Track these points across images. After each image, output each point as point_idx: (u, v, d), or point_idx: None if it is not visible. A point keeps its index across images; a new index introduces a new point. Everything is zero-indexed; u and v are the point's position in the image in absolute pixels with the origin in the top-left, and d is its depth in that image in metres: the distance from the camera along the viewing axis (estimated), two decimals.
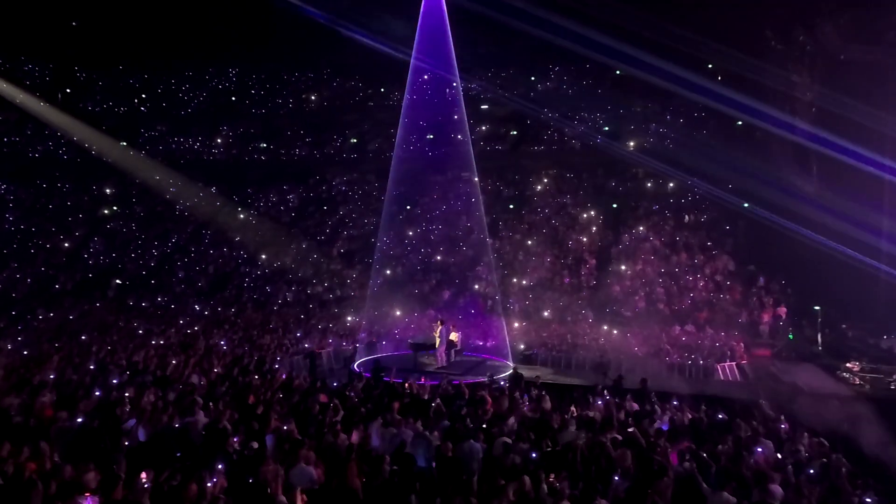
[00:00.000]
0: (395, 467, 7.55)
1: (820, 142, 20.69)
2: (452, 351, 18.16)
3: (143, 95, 36.23)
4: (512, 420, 9.84)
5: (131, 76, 36.10)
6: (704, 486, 7.08)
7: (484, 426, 9.51)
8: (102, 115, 34.91)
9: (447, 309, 21.54)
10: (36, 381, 12.03)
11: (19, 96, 32.48)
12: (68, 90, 35.50)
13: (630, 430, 9.19)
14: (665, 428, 9.80)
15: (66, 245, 28.96)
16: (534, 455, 8.05)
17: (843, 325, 18.99)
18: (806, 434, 9.40)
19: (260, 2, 27.19)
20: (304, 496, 6.89)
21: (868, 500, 7.17)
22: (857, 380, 14.96)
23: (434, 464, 8.13)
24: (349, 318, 22.08)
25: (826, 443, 8.78)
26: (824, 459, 8.18)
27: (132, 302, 25.31)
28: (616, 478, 7.37)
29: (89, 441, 8.39)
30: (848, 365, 15.67)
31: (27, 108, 32.66)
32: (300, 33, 28.72)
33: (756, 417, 10.27)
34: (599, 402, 11.29)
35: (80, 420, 9.20)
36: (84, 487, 6.47)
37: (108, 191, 33.07)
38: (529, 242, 26.43)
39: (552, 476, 7.23)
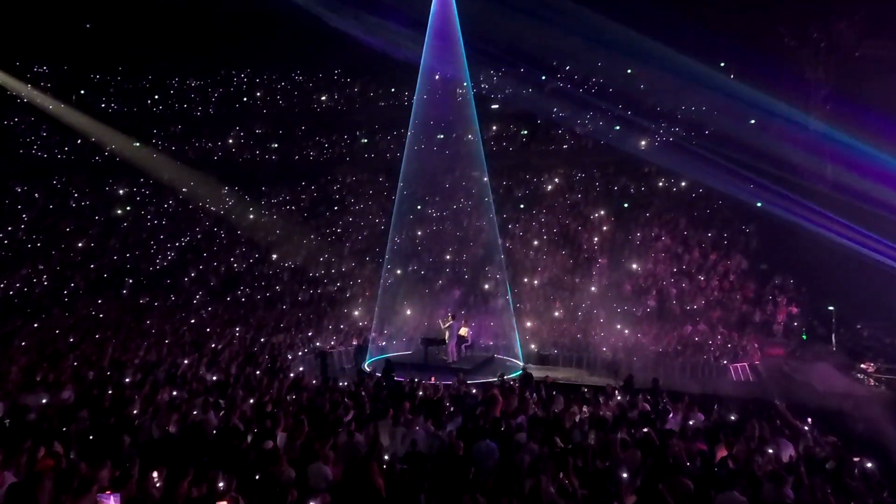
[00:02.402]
0: (405, 466, 7.57)
1: (835, 138, 20.53)
2: (463, 346, 18.20)
3: (156, 96, 36.54)
4: (521, 419, 9.84)
5: (144, 77, 36.41)
6: (713, 484, 7.03)
7: (500, 426, 9.50)
8: (116, 115, 35.23)
9: (458, 307, 21.53)
10: (52, 379, 12.19)
11: (35, 97, 32.91)
12: (82, 91, 35.88)
13: (645, 430, 9.16)
14: (677, 428, 9.75)
15: (81, 244, 29.26)
16: (547, 455, 8.03)
17: (858, 325, 18.77)
18: (819, 434, 9.32)
19: (271, 3, 27.32)
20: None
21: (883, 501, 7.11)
22: (872, 380, 14.79)
23: (446, 462, 8.14)
24: (360, 317, 22.15)
25: (840, 443, 8.70)
26: (838, 460, 8.10)
27: (146, 301, 25.54)
28: (625, 476, 7.34)
29: (104, 439, 8.49)
30: (863, 365, 15.48)
31: (42, 109, 33.08)
32: (311, 34, 28.81)
33: (770, 417, 10.19)
34: (611, 402, 11.26)
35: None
36: (99, 484, 6.54)
37: (121, 191, 33.37)
38: (539, 242, 26.36)
39: (561, 475, 7.20)
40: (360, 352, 19.23)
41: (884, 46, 20.37)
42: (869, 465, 7.80)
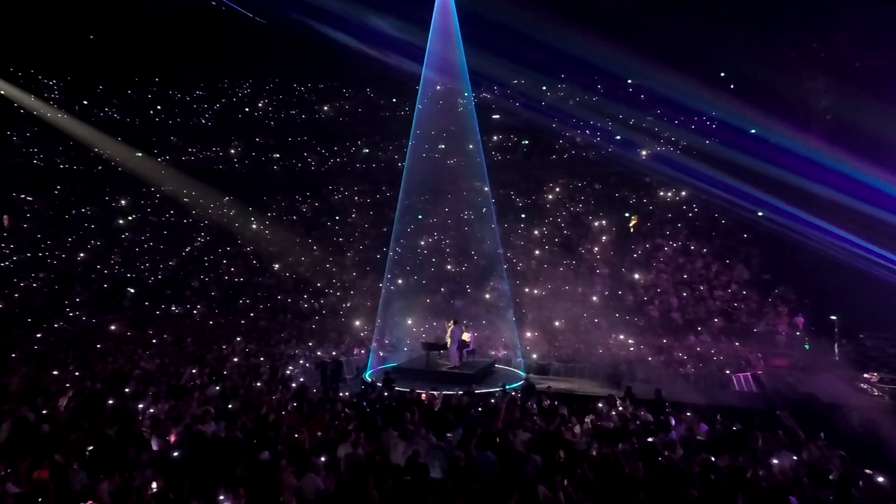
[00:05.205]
0: (407, 478, 7.52)
1: (835, 149, 20.56)
2: (465, 351, 18.06)
3: (159, 107, 36.75)
4: (523, 430, 9.78)
5: (147, 88, 36.63)
6: (716, 496, 6.98)
7: (497, 437, 9.44)
8: (119, 126, 35.43)
9: (460, 315, 21.48)
10: (53, 389, 12.16)
11: (39, 108, 33.11)
12: (86, 102, 36.10)
13: (651, 440, 9.10)
14: (680, 439, 9.69)
15: (83, 255, 29.31)
16: (547, 465, 7.98)
17: (861, 335, 18.69)
18: (824, 445, 9.26)
19: (272, 16, 27.58)
20: None
21: None
22: (876, 390, 14.70)
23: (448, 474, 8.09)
24: (361, 327, 22.13)
25: (845, 454, 8.64)
26: (843, 471, 8.04)
27: (147, 312, 25.54)
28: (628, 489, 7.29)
29: (106, 451, 8.45)
30: (866, 375, 15.40)
31: (45, 120, 33.25)
32: (312, 45, 28.97)
33: (774, 428, 10.14)
34: (613, 413, 11.21)
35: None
36: (96, 497, 6.52)
37: (123, 201, 33.49)
38: (541, 252, 26.37)
39: (566, 483, 7.15)
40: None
41: (883, 57, 20.44)
42: (880, 478, 7.73)
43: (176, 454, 8.41)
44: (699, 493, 7.00)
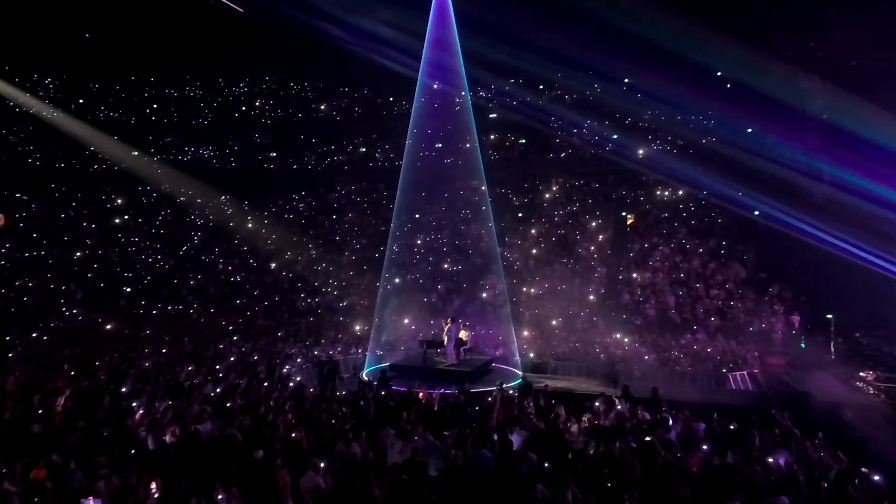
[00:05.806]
0: (404, 476, 7.53)
1: (831, 148, 20.60)
2: (462, 349, 18.09)
3: (156, 105, 36.64)
4: (519, 428, 9.79)
5: (144, 87, 36.51)
6: (713, 494, 7.00)
7: (494, 435, 9.45)
8: (115, 124, 35.31)
9: (458, 313, 21.49)
10: (49, 388, 12.13)
11: (33, 106, 33.00)
12: (82, 100, 35.97)
13: (648, 438, 9.12)
14: (677, 437, 9.71)
15: (79, 254, 29.21)
16: (546, 465, 7.99)
17: (857, 334, 18.74)
18: (820, 444, 9.28)
19: (269, 14, 27.46)
20: None
21: None
22: (872, 389, 14.73)
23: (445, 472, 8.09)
24: (358, 326, 22.11)
25: (841, 454, 8.67)
26: (839, 470, 8.07)
27: (144, 310, 25.47)
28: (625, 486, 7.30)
29: (101, 449, 8.44)
30: (861, 374, 15.43)
31: (41, 118, 33.14)
32: (310, 44, 28.92)
33: (770, 427, 10.16)
34: (611, 412, 11.22)
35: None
36: (94, 493, 6.52)
37: (120, 200, 33.39)
38: (537, 251, 26.38)
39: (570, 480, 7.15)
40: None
41: (880, 56, 20.49)
42: (875, 477, 7.75)
43: (170, 451, 8.42)
44: (696, 491, 7.02)
